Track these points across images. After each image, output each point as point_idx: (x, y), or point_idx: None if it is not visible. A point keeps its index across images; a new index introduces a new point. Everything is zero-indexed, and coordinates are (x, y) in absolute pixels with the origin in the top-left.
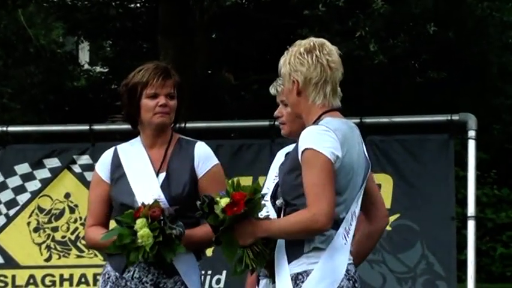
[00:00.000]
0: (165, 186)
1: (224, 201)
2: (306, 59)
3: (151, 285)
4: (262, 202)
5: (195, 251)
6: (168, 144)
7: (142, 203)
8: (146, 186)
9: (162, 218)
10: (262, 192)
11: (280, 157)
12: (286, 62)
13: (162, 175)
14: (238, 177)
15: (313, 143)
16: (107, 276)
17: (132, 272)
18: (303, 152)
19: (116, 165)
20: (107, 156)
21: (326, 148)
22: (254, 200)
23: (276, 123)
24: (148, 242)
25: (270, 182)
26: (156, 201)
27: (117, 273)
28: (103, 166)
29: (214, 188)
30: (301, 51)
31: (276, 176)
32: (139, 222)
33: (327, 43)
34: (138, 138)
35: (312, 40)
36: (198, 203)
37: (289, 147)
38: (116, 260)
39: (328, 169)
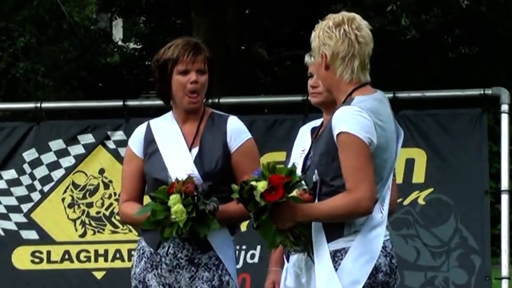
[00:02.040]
0: (198, 162)
1: (262, 186)
2: (334, 33)
3: (186, 260)
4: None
5: (229, 226)
6: (200, 119)
7: (176, 179)
8: (179, 161)
9: (195, 193)
10: (298, 174)
11: (304, 132)
12: (316, 36)
13: (195, 150)
14: (271, 153)
15: (348, 126)
16: (141, 251)
17: (166, 248)
18: (338, 135)
19: (149, 140)
20: (140, 131)
21: (360, 131)
22: (292, 183)
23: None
24: (182, 217)
25: (297, 157)
26: (190, 177)
27: (151, 249)
28: (136, 141)
29: (248, 163)
30: (330, 25)
31: (302, 151)
32: (173, 198)
33: (358, 18)
34: (170, 113)
35: (343, 14)
36: (236, 188)
37: (314, 123)
38: (151, 235)
39: (366, 152)
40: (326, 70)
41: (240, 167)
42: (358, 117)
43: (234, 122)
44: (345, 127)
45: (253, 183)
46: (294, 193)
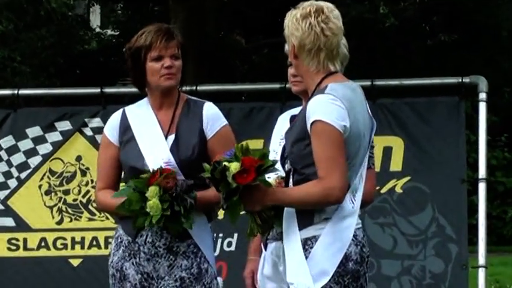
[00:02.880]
0: (174, 149)
1: (234, 167)
2: (301, 25)
3: (165, 249)
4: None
5: (206, 213)
6: (176, 105)
7: (160, 168)
8: (155, 149)
9: (174, 191)
10: (270, 158)
11: (283, 120)
12: (286, 25)
13: (171, 137)
14: (248, 140)
15: (322, 115)
16: (119, 240)
17: (144, 236)
18: (312, 123)
19: (125, 127)
20: (115, 119)
21: (335, 119)
22: (264, 167)
23: (288, 85)
24: (156, 213)
25: (276, 145)
26: (173, 172)
27: (129, 238)
28: (112, 129)
29: (224, 149)
30: (298, 17)
31: (281, 139)
32: (152, 190)
33: (326, 9)
34: (145, 100)
35: (311, 5)
36: (208, 167)
37: (293, 110)
38: (128, 224)
39: (339, 141)
40: (295, 59)
41: (217, 153)
42: (332, 106)
43: (210, 108)
44: (320, 115)
45: (226, 163)
46: (272, 180)
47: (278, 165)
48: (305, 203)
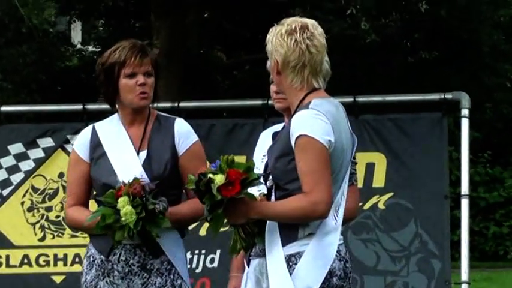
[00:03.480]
0: (146, 165)
1: (219, 179)
2: (286, 41)
3: (138, 267)
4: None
5: (179, 228)
6: (146, 121)
7: (123, 182)
8: (128, 165)
9: (143, 194)
10: (255, 171)
11: (265, 137)
12: (269, 40)
13: (143, 154)
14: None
15: (307, 129)
16: (91, 259)
17: (118, 255)
18: (297, 138)
19: (95, 144)
20: (85, 135)
21: (320, 134)
22: (249, 180)
23: (270, 102)
24: (132, 219)
25: (258, 162)
26: (136, 178)
27: (102, 256)
28: (82, 145)
29: (196, 165)
30: (282, 33)
31: (264, 156)
32: (121, 200)
33: (311, 25)
34: (115, 116)
35: (296, 21)
36: (193, 178)
37: (275, 127)
38: (100, 242)
39: (324, 156)
40: (278, 75)
41: (188, 169)
42: (317, 120)
43: (182, 125)
44: (304, 130)
45: (211, 175)
46: (256, 194)
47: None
48: (290, 217)
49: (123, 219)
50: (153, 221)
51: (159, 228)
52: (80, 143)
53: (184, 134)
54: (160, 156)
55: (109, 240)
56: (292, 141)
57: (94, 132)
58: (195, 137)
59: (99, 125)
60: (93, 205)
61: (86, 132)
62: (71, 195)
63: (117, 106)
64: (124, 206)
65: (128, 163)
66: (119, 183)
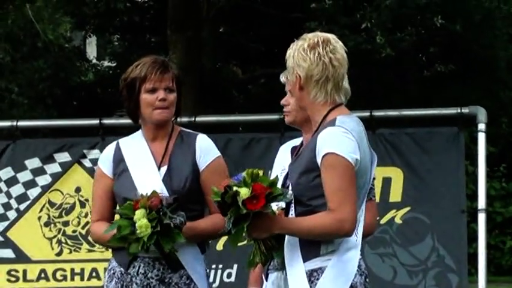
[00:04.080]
0: (166, 180)
1: (244, 193)
2: (309, 56)
3: (157, 280)
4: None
5: (199, 244)
6: (169, 137)
7: (141, 194)
8: (148, 180)
9: (160, 207)
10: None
11: (284, 151)
12: (290, 56)
13: (164, 169)
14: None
15: (335, 147)
16: (112, 272)
17: (137, 268)
18: (324, 155)
19: (119, 159)
20: (109, 151)
21: (348, 152)
22: (273, 195)
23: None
24: (146, 232)
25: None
26: (154, 191)
27: (122, 269)
28: (106, 161)
29: (217, 180)
30: (305, 47)
31: (282, 170)
32: (138, 213)
33: (332, 39)
34: (139, 132)
35: (318, 36)
36: (217, 190)
37: (294, 141)
38: (121, 255)
39: (351, 174)
40: (300, 91)
41: (209, 184)
42: (344, 138)
43: (203, 140)
44: (332, 148)
45: (237, 188)
46: (274, 207)
47: None
48: (314, 234)
49: (138, 231)
50: (168, 236)
51: (173, 243)
52: (104, 159)
53: (205, 149)
54: (181, 171)
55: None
56: (319, 159)
57: (118, 148)
58: (216, 152)
59: (123, 141)
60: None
61: (110, 148)
62: (95, 210)
63: (140, 121)
64: (140, 218)
65: (148, 178)
66: (137, 196)
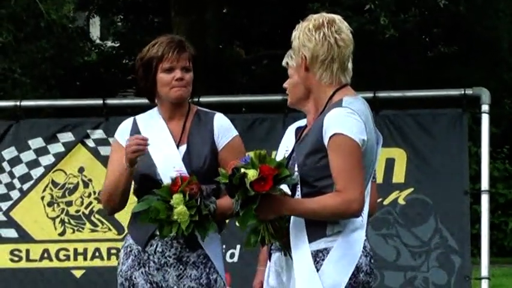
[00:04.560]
0: (186, 159)
1: (252, 174)
2: (314, 36)
3: (174, 259)
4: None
5: (217, 224)
6: (186, 116)
7: (180, 176)
8: (168, 158)
9: (199, 196)
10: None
11: (291, 132)
12: (296, 37)
13: (183, 148)
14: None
15: (342, 128)
16: (128, 249)
17: (154, 246)
18: (331, 136)
19: (136, 135)
20: (126, 125)
21: (355, 133)
22: (281, 176)
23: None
24: (185, 219)
25: (281, 156)
26: (194, 177)
27: (139, 247)
28: (123, 134)
29: (235, 159)
30: (310, 27)
31: (286, 150)
32: (176, 197)
33: (338, 20)
34: (155, 110)
35: (323, 16)
36: (224, 172)
37: (300, 122)
38: (138, 233)
39: (358, 154)
40: (306, 71)
41: (227, 163)
42: (351, 119)
43: (221, 119)
44: (339, 128)
45: (244, 170)
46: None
47: None
48: (322, 214)
49: (175, 217)
50: (203, 225)
51: (207, 232)
52: (122, 132)
53: (223, 128)
54: (200, 150)
55: (147, 231)
56: (326, 139)
57: (135, 124)
58: (234, 132)
59: (139, 118)
60: (131, 199)
61: (127, 123)
62: (104, 182)
63: (156, 101)
64: (179, 204)
65: (167, 156)
66: (159, 176)
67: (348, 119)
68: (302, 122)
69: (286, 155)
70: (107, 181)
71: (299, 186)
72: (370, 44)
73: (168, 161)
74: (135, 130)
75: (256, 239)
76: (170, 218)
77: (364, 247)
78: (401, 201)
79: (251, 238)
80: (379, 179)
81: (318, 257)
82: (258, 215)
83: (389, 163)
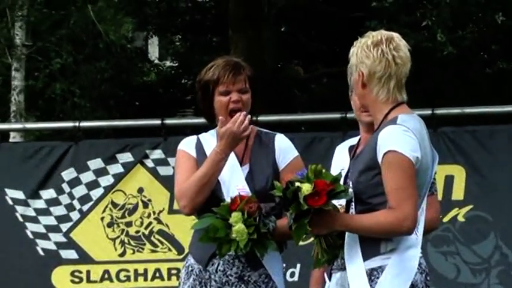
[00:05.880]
0: (249, 179)
1: (306, 189)
2: (372, 52)
3: (236, 278)
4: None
5: (278, 243)
6: (247, 137)
7: (239, 195)
8: (231, 177)
9: (258, 214)
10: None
11: (341, 151)
12: (354, 53)
13: (246, 167)
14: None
15: (396, 145)
16: (190, 268)
17: (216, 265)
18: (385, 153)
19: (200, 151)
20: (191, 140)
21: (409, 151)
22: (335, 191)
23: (349, 115)
24: (243, 238)
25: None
26: (252, 196)
27: (200, 266)
28: (189, 147)
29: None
30: (368, 44)
31: (342, 170)
32: (235, 216)
33: (396, 37)
34: (217, 130)
35: (381, 33)
36: (279, 186)
37: (350, 141)
38: (199, 252)
39: (412, 172)
40: (363, 88)
41: None
42: (405, 137)
43: (282, 140)
44: (393, 146)
45: (298, 184)
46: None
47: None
48: (375, 231)
49: (233, 235)
50: (262, 244)
51: (266, 251)
52: (187, 145)
53: (284, 149)
54: (262, 170)
55: (208, 250)
56: (379, 157)
57: (199, 141)
58: (295, 152)
59: (203, 137)
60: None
61: (191, 139)
62: (180, 182)
63: (216, 122)
64: (237, 222)
65: (231, 175)
66: (223, 195)
67: (402, 136)
68: (352, 141)
69: (343, 175)
70: (192, 177)
71: (353, 203)
72: (428, 61)
73: (232, 180)
74: (199, 146)
75: (323, 257)
76: (229, 236)
77: (420, 264)
78: (460, 219)
79: (322, 257)
80: (439, 196)
81: (373, 275)
82: (311, 230)
83: (448, 180)
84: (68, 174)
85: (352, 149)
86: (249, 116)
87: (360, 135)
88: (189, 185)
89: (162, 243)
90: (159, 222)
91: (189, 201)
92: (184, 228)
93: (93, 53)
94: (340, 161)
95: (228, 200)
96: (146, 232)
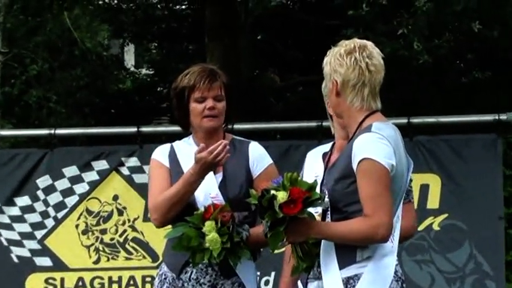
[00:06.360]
0: (222, 187)
1: (281, 197)
2: (345, 61)
3: (209, 286)
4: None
5: (251, 251)
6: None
7: (212, 204)
8: (204, 185)
9: (231, 224)
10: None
11: (314, 158)
12: (327, 62)
13: (219, 175)
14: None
15: (371, 153)
16: (163, 276)
17: (189, 273)
18: (360, 161)
19: (174, 160)
20: (164, 149)
21: (383, 158)
22: (311, 199)
23: (324, 123)
24: (216, 247)
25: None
26: (226, 205)
27: (173, 274)
28: (162, 155)
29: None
30: (341, 53)
31: (316, 177)
32: (208, 225)
33: (369, 45)
34: (191, 138)
35: (354, 42)
36: (255, 194)
37: (322, 148)
38: (173, 260)
39: (387, 179)
40: (337, 96)
41: None
42: (380, 144)
43: (256, 148)
44: (368, 153)
45: (274, 192)
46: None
47: None
48: (350, 238)
49: (207, 244)
50: (235, 252)
51: (239, 259)
52: (160, 154)
53: (258, 157)
54: (236, 179)
55: (181, 258)
56: (354, 165)
57: (172, 150)
58: (269, 160)
59: (176, 145)
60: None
61: (165, 147)
62: (158, 192)
63: (191, 129)
64: (211, 231)
65: (204, 183)
66: (196, 203)
67: (376, 144)
68: (325, 148)
69: (319, 182)
70: (166, 192)
71: (329, 212)
72: (404, 69)
73: (205, 188)
74: (173, 155)
75: (300, 265)
76: (202, 245)
77: (396, 272)
78: (435, 227)
79: (295, 260)
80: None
81: (349, 284)
82: (287, 238)
83: (424, 189)
84: (43, 181)
85: (325, 156)
86: (228, 147)
87: (333, 141)
88: (162, 201)
89: (136, 250)
90: (134, 229)
91: (161, 215)
92: (159, 236)
93: (69, 60)
94: (313, 168)
95: (201, 208)
96: (121, 240)
